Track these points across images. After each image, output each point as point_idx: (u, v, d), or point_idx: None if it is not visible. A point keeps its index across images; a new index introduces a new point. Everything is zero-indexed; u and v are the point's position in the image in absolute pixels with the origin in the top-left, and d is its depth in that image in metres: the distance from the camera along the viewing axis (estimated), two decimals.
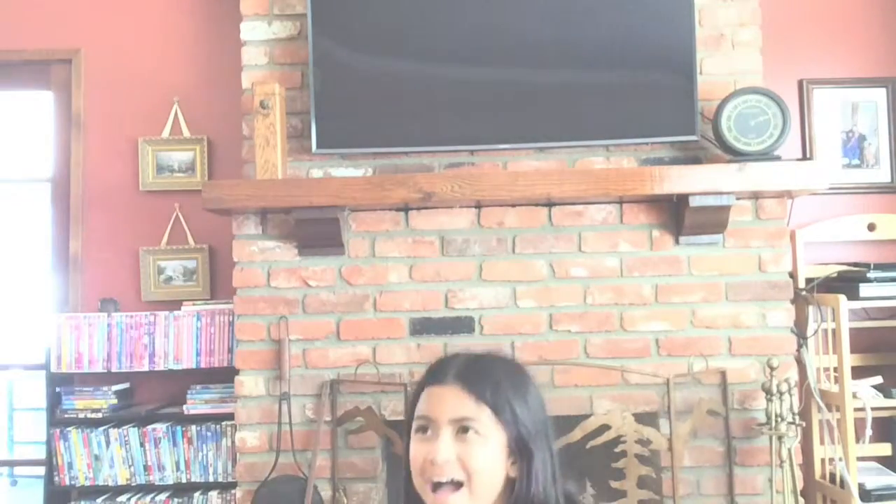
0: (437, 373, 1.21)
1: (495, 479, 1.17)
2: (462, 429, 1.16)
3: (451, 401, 1.17)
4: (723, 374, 2.67)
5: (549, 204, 2.71)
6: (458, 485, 1.14)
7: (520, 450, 1.18)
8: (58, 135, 3.26)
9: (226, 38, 3.06)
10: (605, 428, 2.61)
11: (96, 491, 2.95)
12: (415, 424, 1.20)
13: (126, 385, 3.09)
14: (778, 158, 2.64)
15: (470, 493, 1.15)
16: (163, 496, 2.92)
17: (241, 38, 2.84)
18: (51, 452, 2.95)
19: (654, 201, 2.71)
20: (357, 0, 2.76)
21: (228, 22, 3.01)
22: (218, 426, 2.92)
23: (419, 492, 1.18)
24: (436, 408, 1.17)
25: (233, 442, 2.83)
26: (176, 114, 3.18)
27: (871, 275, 2.78)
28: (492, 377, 1.19)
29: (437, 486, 1.15)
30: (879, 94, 3.16)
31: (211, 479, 2.92)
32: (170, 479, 2.93)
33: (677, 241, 2.72)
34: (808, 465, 2.86)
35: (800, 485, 2.61)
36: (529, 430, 1.18)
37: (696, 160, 2.75)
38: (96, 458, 2.94)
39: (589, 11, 2.71)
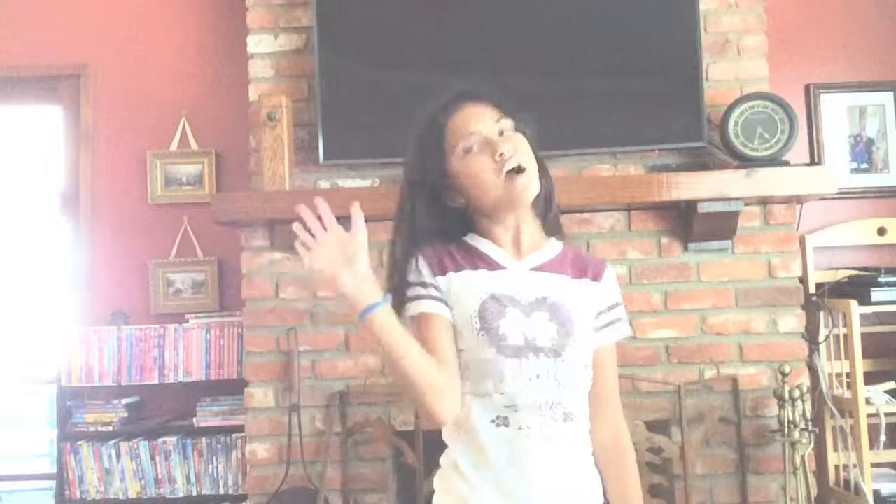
0: (454, 99, 1.32)
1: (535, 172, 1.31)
2: (501, 131, 1.30)
3: (485, 113, 1.31)
4: (734, 380, 2.66)
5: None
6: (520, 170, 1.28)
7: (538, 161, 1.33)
8: (67, 149, 3.28)
9: (233, 51, 3.07)
10: None
11: None
12: (461, 147, 1.29)
13: (136, 398, 3.10)
14: (786, 164, 2.63)
15: (532, 175, 1.30)
16: None
17: (248, 51, 2.85)
18: (61, 466, 2.96)
19: (662, 208, 2.70)
20: (362, 12, 2.77)
21: (235, 35, 3.03)
22: (228, 438, 2.92)
23: (492, 190, 1.28)
24: (477, 122, 1.30)
25: (243, 454, 2.83)
26: (184, 127, 3.20)
27: (882, 279, 2.76)
28: (499, 99, 1.33)
29: (507, 176, 1.28)
30: (887, 98, 3.15)
31: (221, 491, 2.91)
32: (180, 491, 2.93)
33: (686, 248, 2.71)
34: (821, 472, 2.84)
35: (814, 492, 2.59)
36: (536, 146, 1.34)
37: (703, 166, 2.75)
38: (107, 471, 2.95)
39: (594, 20, 2.72)
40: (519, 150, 1.29)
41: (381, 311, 1.20)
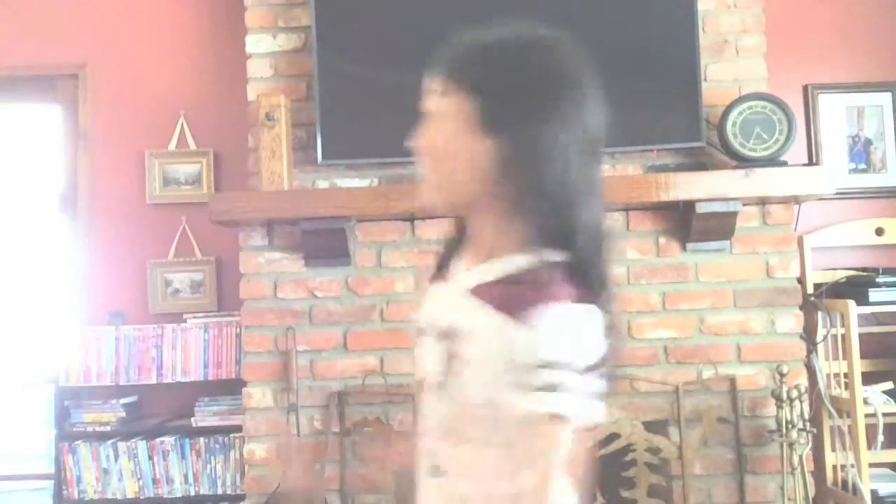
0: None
1: (461, 161, 0.99)
2: (425, 116, 1.04)
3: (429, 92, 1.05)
4: (732, 381, 2.66)
5: None
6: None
7: (494, 119, 0.97)
8: (65, 149, 3.28)
9: (231, 51, 3.07)
10: (614, 437, 2.60)
11: None
12: None
13: (134, 398, 3.09)
14: (784, 164, 2.63)
15: (432, 178, 1.02)
16: None
17: (247, 51, 2.85)
18: (59, 466, 2.96)
19: (660, 208, 2.70)
20: (361, 11, 2.77)
21: (233, 35, 3.02)
22: (226, 438, 2.92)
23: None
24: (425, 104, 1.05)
25: (241, 454, 2.82)
26: (182, 127, 3.20)
27: (880, 280, 2.77)
28: (472, 50, 1.04)
29: None
30: (885, 98, 3.15)
31: (219, 491, 2.91)
32: (178, 491, 2.92)
33: (684, 248, 2.71)
34: (819, 472, 2.84)
35: (812, 492, 2.59)
36: (511, 93, 0.97)
37: (701, 166, 2.75)
38: (105, 471, 2.94)
39: (593, 20, 2.72)
40: (425, 149, 1.03)
41: None
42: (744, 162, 2.61)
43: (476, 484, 1.00)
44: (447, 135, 1.00)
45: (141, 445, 2.93)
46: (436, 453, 1.03)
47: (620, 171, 2.77)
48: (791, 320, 2.69)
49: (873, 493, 2.70)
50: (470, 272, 1.04)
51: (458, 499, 1.02)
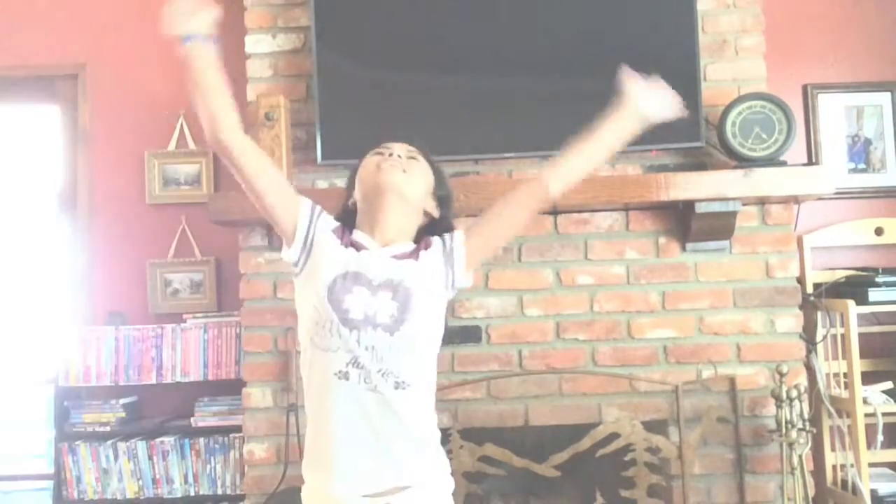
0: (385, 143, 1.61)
1: (421, 199, 1.58)
2: (411, 157, 1.59)
3: (403, 144, 1.60)
4: (732, 380, 2.66)
5: (555, 212, 2.71)
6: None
7: (440, 200, 1.63)
8: (64, 149, 3.28)
9: (230, 51, 3.06)
10: (614, 436, 2.60)
11: None
12: (372, 152, 1.59)
13: (134, 398, 3.09)
14: (784, 164, 2.64)
15: (410, 179, 1.55)
16: None
17: (246, 51, 2.85)
18: (59, 466, 2.96)
19: (659, 208, 2.70)
20: (360, 12, 2.77)
21: (233, 35, 3.02)
22: (226, 438, 2.92)
23: (367, 178, 1.56)
24: (393, 144, 1.59)
25: (241, 454, 2.83)
26: (182, 127, 3.20)
27: (880, 279, 2.77)
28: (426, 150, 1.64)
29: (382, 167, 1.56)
30: (884, 98, 3.15)
31: (219, 491, 2.91)
32: (178, 492, 2.93)
33: (684, 248, 2.71)
34: (819, 471, 2.84)
35: (811, 492, 2.59)
36: (448, 193, 1.66)
37: (701, 166, 2.75)
38: (105, 471, 2.94)
39: (591, 20, 2.72)
40: (411, 166, 1.56)
41: (194, 45, 1.53)
42: (743, 162, 2.61)
43: (429, 390, 1.53)
44: (426, 184, 1.61)
45: (141, 446, 2.93)
46: (395, 373, 1.45)
47: (620, 171, 2.77)
48: (791, 320, 2.69)
49: (873, 492, 2.70)
50: (390, 246, 1.55)
51: (420, 404, 1.50)
